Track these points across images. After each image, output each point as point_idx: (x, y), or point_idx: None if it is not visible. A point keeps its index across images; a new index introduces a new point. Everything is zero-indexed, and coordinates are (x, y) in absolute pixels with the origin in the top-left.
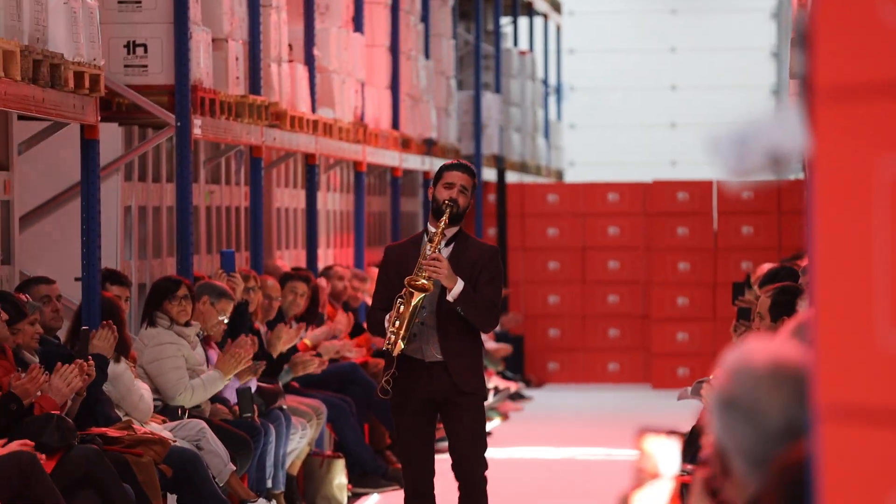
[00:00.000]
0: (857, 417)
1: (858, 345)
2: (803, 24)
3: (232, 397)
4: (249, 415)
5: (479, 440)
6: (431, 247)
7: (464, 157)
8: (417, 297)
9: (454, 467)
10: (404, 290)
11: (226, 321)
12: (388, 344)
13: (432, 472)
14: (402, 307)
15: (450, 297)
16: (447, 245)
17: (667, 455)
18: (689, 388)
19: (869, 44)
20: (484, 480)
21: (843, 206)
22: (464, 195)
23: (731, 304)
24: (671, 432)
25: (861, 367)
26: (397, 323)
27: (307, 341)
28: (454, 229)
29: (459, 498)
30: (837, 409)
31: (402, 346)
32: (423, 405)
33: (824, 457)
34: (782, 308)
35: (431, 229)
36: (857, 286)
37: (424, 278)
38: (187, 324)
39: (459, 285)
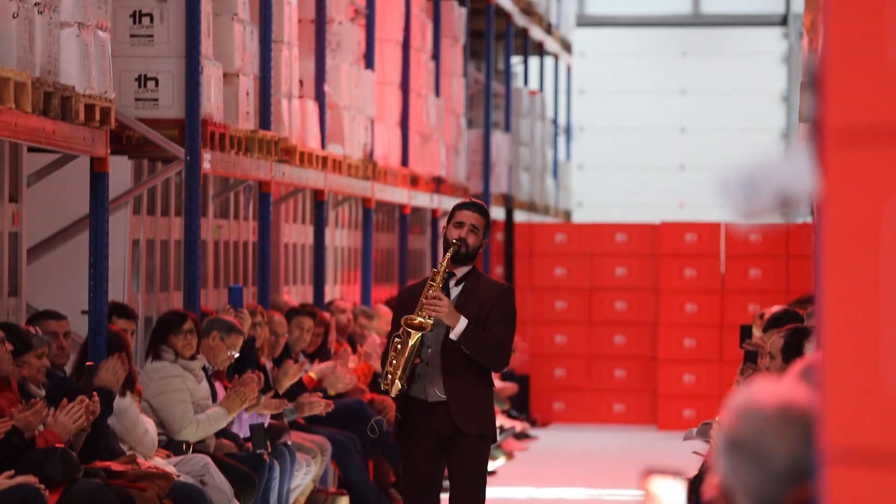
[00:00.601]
0: (863, 460)
1: (865, 388)
2: (813, 67)
3: (244, 433)
4: (262, 451)
5: (478, 483)
6: (434, 285)
7: (473, 196)
8: (415, 337)
9: None
10: (401, 329)
11: (236, 356)
12: (385, 384)
13: None
14: (399, 346)
15: (452, 335)
16: (458, 284)
17: (672, 497)
18: (695, 430)
19: (879, 88)
20: None
21: (851, 250)
22: (474, 234)
23: (737, 347)
24: (677, 474)
25: (868, 411)
26: (394, 363)
27: (312, 374)
28: (466, 268)
29: None
30: (844, 451)
31: (401, 387)
32: (429, 446)
33: (830, 499)
34: (794, 349)
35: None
36: (864, 330)
37: (423, 317)
38: (192, 358)
39: (462, 324)
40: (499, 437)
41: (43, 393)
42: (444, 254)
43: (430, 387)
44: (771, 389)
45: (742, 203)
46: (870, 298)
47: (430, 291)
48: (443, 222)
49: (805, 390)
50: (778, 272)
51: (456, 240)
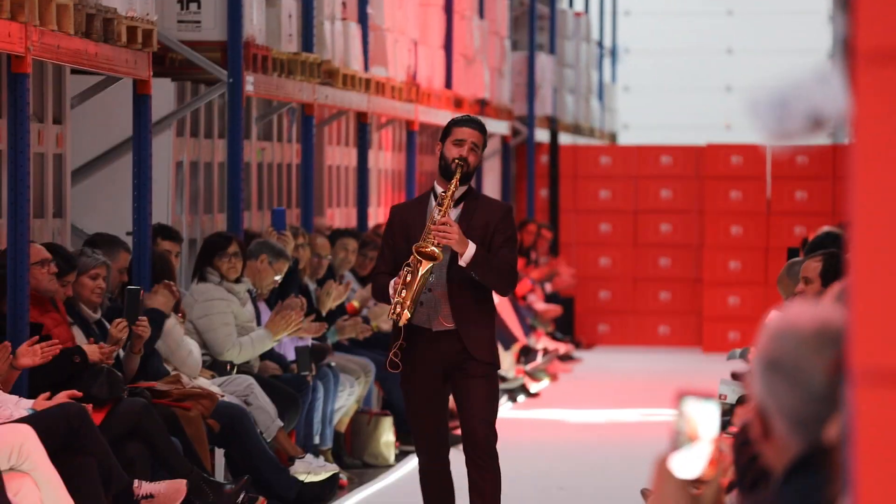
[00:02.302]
0: (891, 380)
1: (894, 309)
2: None
3: (290, 355)
4: (306, 372)
5: (492, 409)
6: (441, 210)
7: (517, 119)
8: (426, 266)
9: (464, 436)
10: (411, 257)
11: (279, 280)
12: (394, 314)
13: (447, 442)
14: (409, 276)
15: (461, 262)
16: (456, 205)
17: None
18: (738, 351)
19: None
20: (495, 450)
21: (882, 169)
22: (474, 153)
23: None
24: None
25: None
26: (404, 292)
27: (355, 303)
28: (463, 189)
29: (469, 470)
30: (872, 372)
31: (409, 316)
32: (433, 375)
33: (859, 419)
34: (833, 273)
35: (439, 189)
36: (893, 250)
37: (433, 245)
38: (238, 280)
39: (471, 249)
40: (542, 360)
41: (98, 315)
42: (441, 174)
43: (435, 316)
44: (808, 311)
45: (773, 124)
46: None
47: (438, 216)
48: (490, 145)
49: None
50: (824, 194)
51: (457, 159)
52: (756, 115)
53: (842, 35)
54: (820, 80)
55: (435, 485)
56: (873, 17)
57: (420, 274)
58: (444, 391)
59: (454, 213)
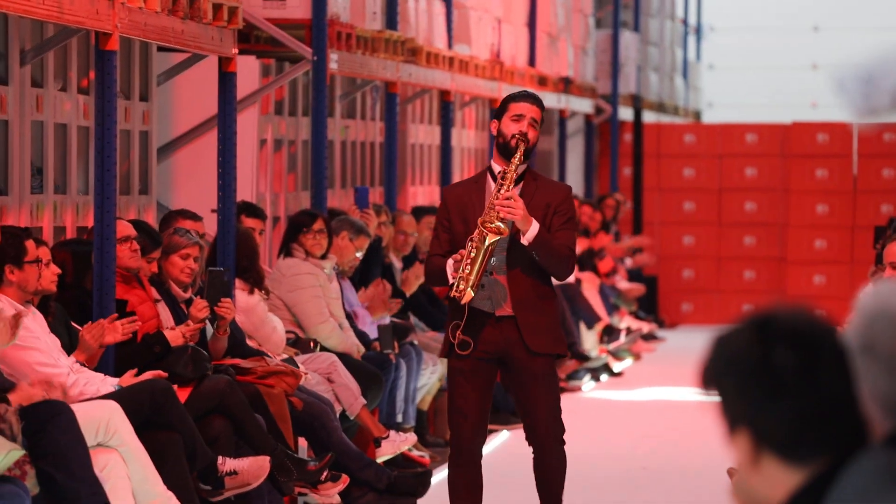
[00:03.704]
0: None
1: None
2: None
3: (372, 333)
4: (390, 350)
5: (556, 403)
6: (505, 185)
7: (601, 97)
8: (491, 240)
9: (528, 433)
10: (476, 231)
11: (360, 257)
12: (457, 291)
13: (483, 439)
14: (472, 252)
15: (524, 241)
16: (515, 184)
17: None
18: None
19: None
20: (563, 445)
21: None
22: (534, 128)
23: (868, 248)
24: None
25: None
26: (468, 269)
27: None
28: (523, 167)
29: (535, 466)
30: None
31: (473, 296)
32: (487, 364)
33: None
34: None
35: (496, 167)
36: None
37: (499, 219)
38: (323, 257)
39: (535, 227)
40: (626, 339)
41: (188, 295)
42: (499, 151)
43: (496, 298)
44: None
45: (860, 101)
46: None
47: (502, 191)
48: (573, 124)
49: None
50: None
51: (517, 134)
52: (843, 92)
53: None
54: None
55: (462, 489)
56: None
57: (485, 248)
58: (493, 381)
59: (515, 192)
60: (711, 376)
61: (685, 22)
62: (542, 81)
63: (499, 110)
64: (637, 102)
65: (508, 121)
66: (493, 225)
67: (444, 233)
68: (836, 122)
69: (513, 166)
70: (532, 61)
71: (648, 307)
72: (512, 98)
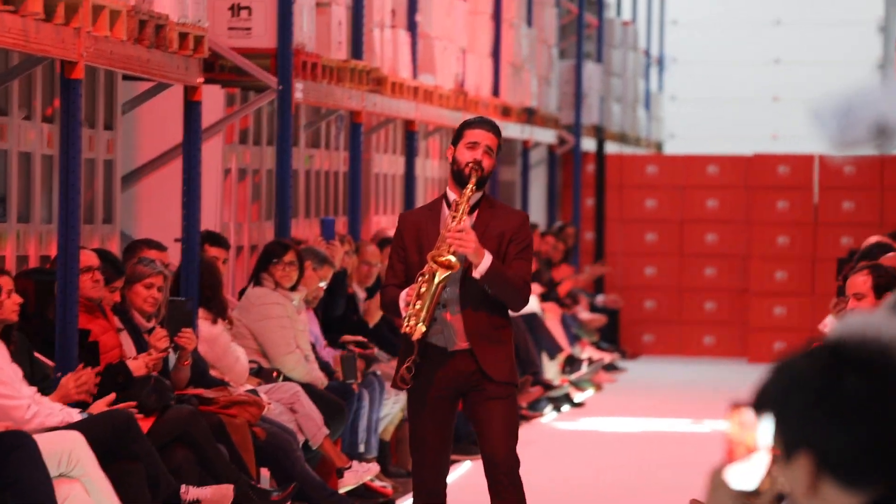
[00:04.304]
0: None
1: None
2: None
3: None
4: (353, 380)
5: (512, 432)
6: (456, 216)
7: (564, 128)
8: (442, 275)
9: (485, 462)
10: (426, 266)
11: (324, 286)
12: (407, 327)
13: (446, 473)
14: (423, 287)
15: (476, 274)
16: (470, 213)
17: (763, 429)
18: None
19: None
20: (517, 476)
21: None
22: (489, 156)
23: (829, 280)
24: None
25: None
26: (418, 304)
27: None
28: (478, 195)
29: (491, 496)
30: None
31: (424, 330)
32: (445, 399)
33: None
34: (884, 284)
35: (451, 195)
36: None
37: (450, 253)
38: (294, 288)
39: (487, 260)
40: (588, 370)
41: (151, 325)
42: (454, 180)
43: (450, 333)
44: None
45: (837, 133)
46: None
47: (454, 223)
48: (536, 154)
49: None
50: (872, 204)
51: (471, 163)
52: (819, 124)
53: None
54: (884, 89)
55: None
56: None
57: (436, 284)
58: (453, 417)
59: (468, 221)
60: (772, 399)
61: (647, 53)
62: (506, 112)
63: (455, 137)
64: (600, 133)
65: (464, 148)
66: (443, 259)
67: (399, 262)
68: (798, 154)
69: (465, 196)
70: (496, 91)
71: (610, 338)
72: (468, 125)
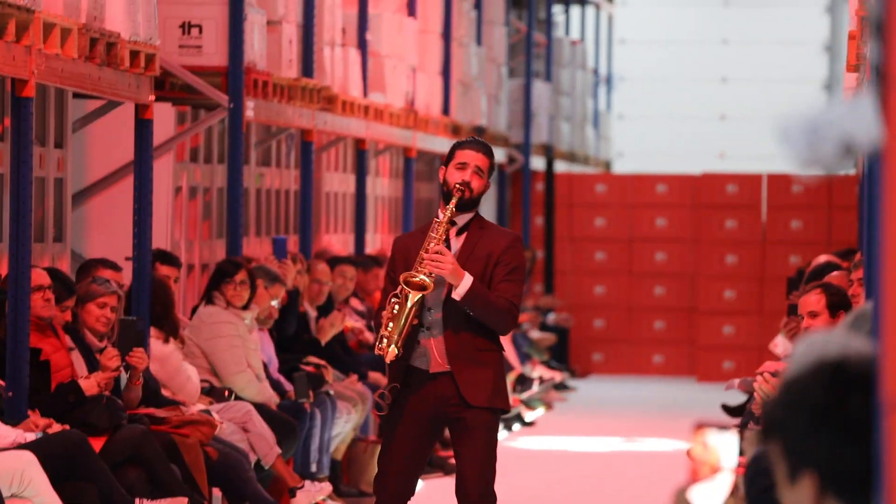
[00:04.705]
0: None
1: None
2: (878, 12)
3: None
4: (305, 400)
5: (489, 465)
6: (436, 238)
7: (513, 146)
8: (414, 297)
9: (457, 491)
10: (400, 287)
11: (276, 305)
12: (379, 349)
13: (412, 487)
14: (396, 308)
15: (455, 296)
16: (459, 234)
17: (725, 448)
18: (737, 381)
19: None
20: None
21: None
22: (479, 177)
23: (778, 299)
24: (727, 426)
25: None
26: (391, 326)
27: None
28: (468, 216)
29: None
30: None
31: (397, 353)
32: (422, 423)
33: (892, 448)
34: (838, 303)
35: (441, 216)
36: None
37: (425, 274)
38: (246, 307)
39: (467, 282)
40: (538, 388)
41: (103, 344)
42: (445, 201)
43: (433, 355)
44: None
45: (804, 151)
46: None
47: (432, 245)
48: None
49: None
50: (820, 224)
51: (459, 184)
52: (786, 142)
53: (875, 61)
54: (852, 107)
55: None
56: None
57: (408, 306)
58: (430, 440)
59: (458, 243)
60: (778, 419)
61: (596, 72)
62: (456, 130)
63: (447, 158)
64: (549, 152)
65: (453, 169)
66: (416, 280)
67: (392, 285)
68: (746, 173)
69: (445, 217)
70: (446, 110)
71: (560, 357)
72: (458, 146)
